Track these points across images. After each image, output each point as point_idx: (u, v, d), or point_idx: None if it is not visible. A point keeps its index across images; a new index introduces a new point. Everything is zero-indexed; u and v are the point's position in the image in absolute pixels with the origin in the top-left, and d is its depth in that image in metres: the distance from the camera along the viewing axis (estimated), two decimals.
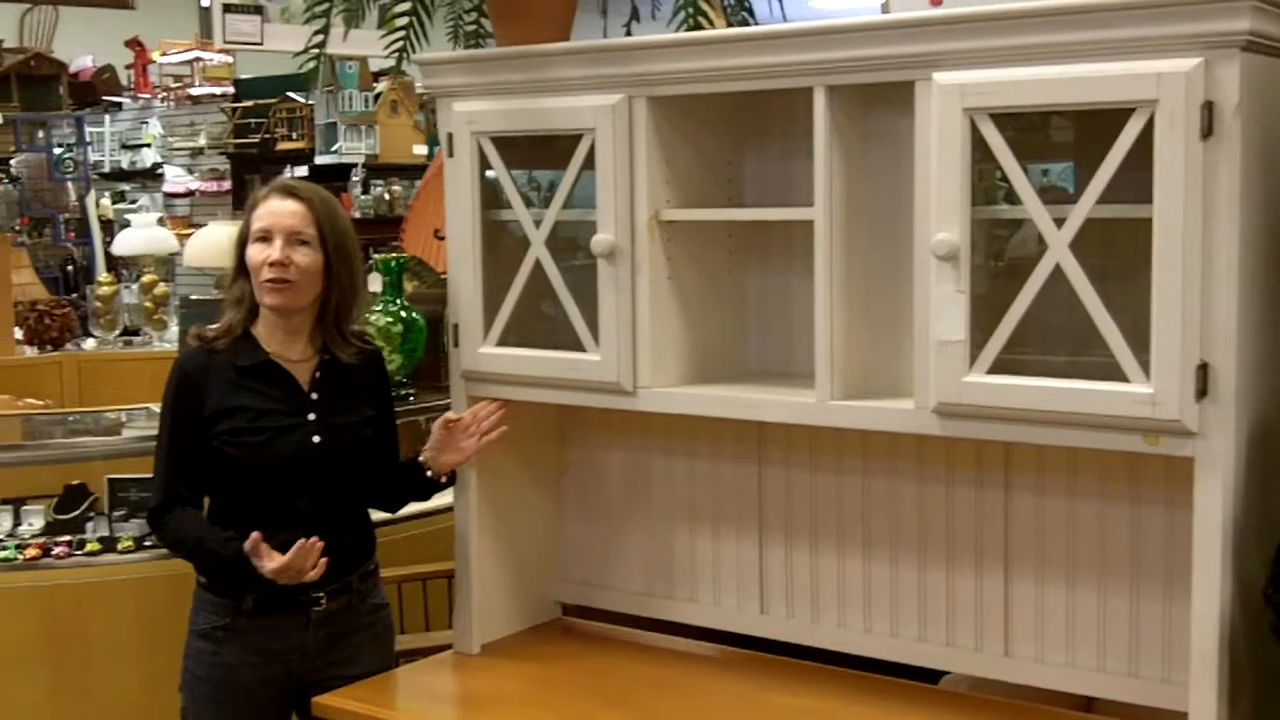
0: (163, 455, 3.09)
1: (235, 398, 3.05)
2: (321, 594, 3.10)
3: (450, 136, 3.24)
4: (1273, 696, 2.65)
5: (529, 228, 3.15)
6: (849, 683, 3.13)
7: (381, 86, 9.99)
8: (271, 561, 2.93)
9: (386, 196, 10.05)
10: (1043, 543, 2.93)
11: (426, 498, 3.38)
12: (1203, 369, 2.38)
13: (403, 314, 4.90)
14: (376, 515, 3.37)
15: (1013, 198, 2.59)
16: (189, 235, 8.22)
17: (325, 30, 3.30)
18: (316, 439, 3.08)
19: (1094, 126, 2.54)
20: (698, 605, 3.41)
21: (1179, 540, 2.73)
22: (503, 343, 3.22)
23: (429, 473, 3.24)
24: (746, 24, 3.46)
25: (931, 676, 3.21)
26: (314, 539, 2.94)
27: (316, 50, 3.31)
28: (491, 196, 3.24)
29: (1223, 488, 2.41)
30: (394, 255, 4.94)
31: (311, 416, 3.09)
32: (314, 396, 3.10)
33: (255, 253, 3.03)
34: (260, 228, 3.04)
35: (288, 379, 3.09)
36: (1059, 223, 2.51)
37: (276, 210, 3.05)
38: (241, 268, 3.09)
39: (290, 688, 3.12)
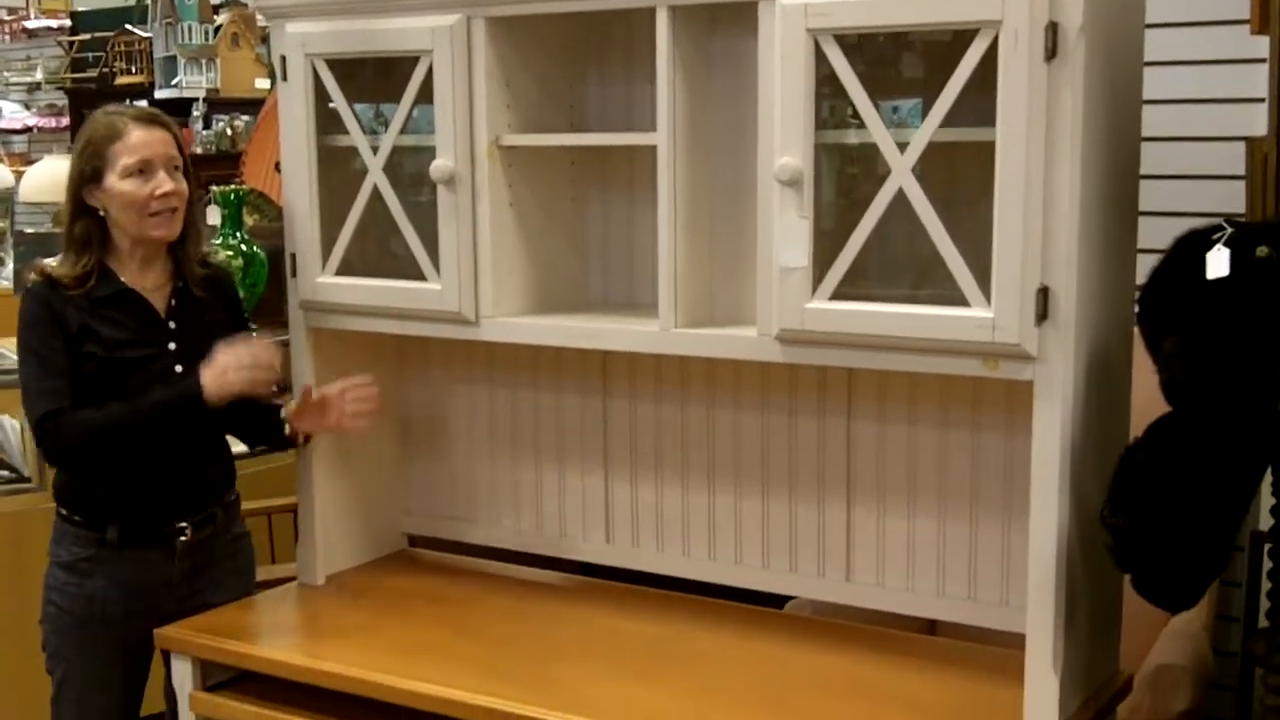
0: (35, 371, 2.95)
1: (93, 326, 2.96)
2: (186, 524, 3.08)
3: (283, 59, 3.15)
4: (1107, 617, 2.70)
5: (366, 154, 3.07)
6: (695, 608, 3.14)
7: (222, 19, 9.74)
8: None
9: (229, 132, 9.80)
10: (884, 470, 2.94)
11: (283, 449, 3.32)
12: (1043, 293, 2.39)
13: (243, 248, 4.79)
14: None
15: (856, 122, 2.57)
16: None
17: None
18: (178, 369, 3.02)
19: (940, 59, 2.53)
20: (544, 536, 3.39)
21: (1018, 467, 2.76)
22: (342, 272, 3.15)
23: (286, 430, 3.20)
24: None
25: (776, 602, 3.24)
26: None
27: None
28: (328, 122, 3.15)
29: (1061, 412, 2.43)
30: (233, 188, 4.82)
31: (171, 346, 3.03)
32: (172, 326, 3.04)
33: (134, 187, 2.94)
34: (139, 159, 2.94)
35: (146, 308, 3.02)
36: (901, 147, 2.50)
37: (151, 140, 2.96)
38: (83, 206, 2.99)
39: (154, 620, 3.06)
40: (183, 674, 3.06)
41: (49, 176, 6.60)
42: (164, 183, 2.94)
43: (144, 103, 9.44)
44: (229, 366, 2.93)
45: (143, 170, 2.94)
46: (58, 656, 3.10)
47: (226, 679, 3.08)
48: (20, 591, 3.60)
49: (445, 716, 2.73)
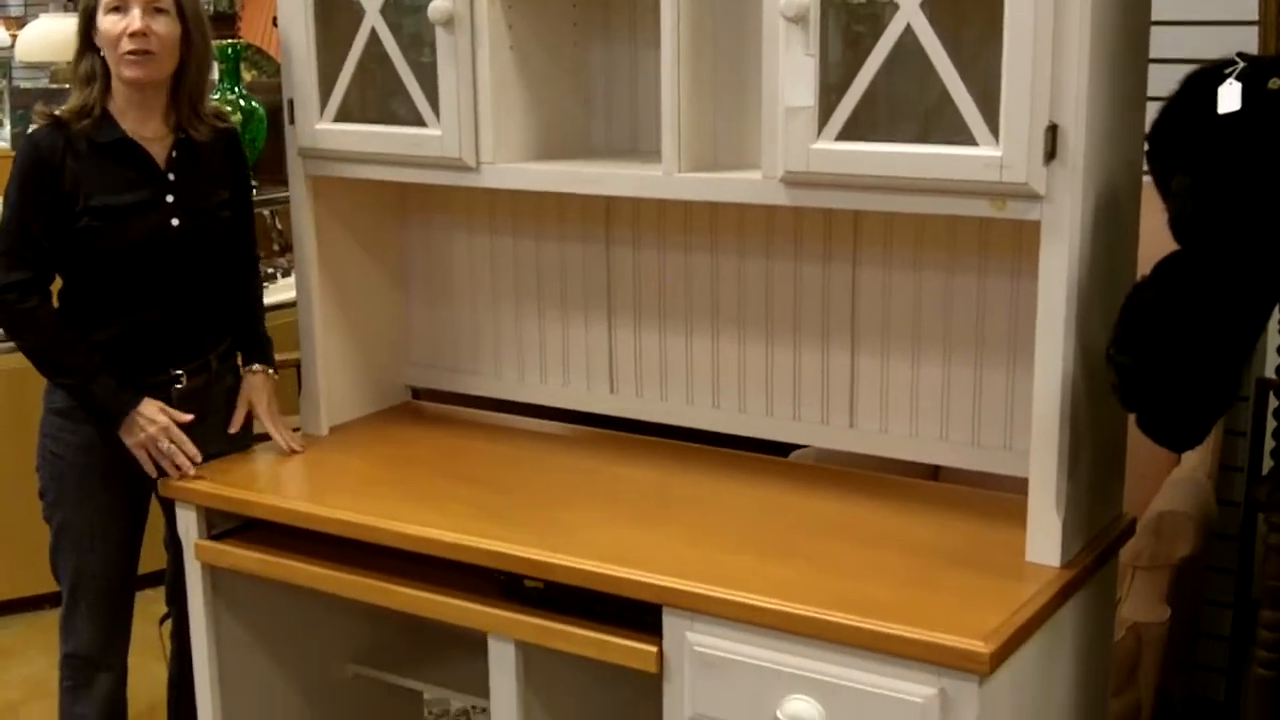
0: (11, 229, 2.94)
1: (92, 175, 2.93)
2: (181, 372, 3.09)
3: None
4: (1111, 461, 2.70)
5: None
6: (698, 457, 3.14)
7: None
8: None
9: None
10: (888, 316, 2.92)
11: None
12: (1052, 131, 2.35)
13: (241, 103, 4.75)
14: None
15: None
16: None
17: None
18: (175, 222, 3.00)
19: None
20: (547, 386, 3.38)
21: (1024, 311, 2.75)
22: (340, 118, 3.11)
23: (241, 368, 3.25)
24: None
25: (780, 452, 3.24)
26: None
27: None
28: None
29: (1069, 252, 2.40)
30: (230, 42, 4.77)
31: (169, 199, 3.00)
32: (171, 177, 3.01)
33: (111, 24, 2.89)
34: None
35: (144, 158, 2.99)
36: None
37: None
38: (89, 43, 2.95)
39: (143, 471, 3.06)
40: (187, 522, 3.08)
41: (45, 35, 6.49)
42: (134, 21, 2.88)
43: None
44: (159, 449, 3.00)
45: (119, 8, 2.89)
46: (55, 504, 3.12)
47: (231, 528, 3.09)
48: (20, 448, 3.61)
49: (449, 560, 2.74)
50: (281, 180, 3.34)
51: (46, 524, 3.15)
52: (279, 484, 3.08)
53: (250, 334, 3.27)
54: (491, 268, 3.40)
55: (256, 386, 3.22)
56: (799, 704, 2.36)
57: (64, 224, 2.93)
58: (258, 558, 2.99)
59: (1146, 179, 2.46)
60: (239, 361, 3.26)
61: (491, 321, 3.43)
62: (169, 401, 3.07)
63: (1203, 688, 3.83)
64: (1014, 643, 2.29)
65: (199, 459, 3.04)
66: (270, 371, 3.25)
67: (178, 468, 3.02)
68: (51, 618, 3.32)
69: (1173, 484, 3.31)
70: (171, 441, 3.01)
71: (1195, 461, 3.43)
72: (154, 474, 3.04)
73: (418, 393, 3.64)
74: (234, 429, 3.20)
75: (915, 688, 2.26)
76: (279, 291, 5.19)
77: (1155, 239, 2.40)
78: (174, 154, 3.02)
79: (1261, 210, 2.18)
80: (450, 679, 3.36)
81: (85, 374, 2.98)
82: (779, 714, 2.38)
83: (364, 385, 3.46)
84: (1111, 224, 2.52)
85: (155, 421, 3.00)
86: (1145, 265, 2.37)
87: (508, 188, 3.02)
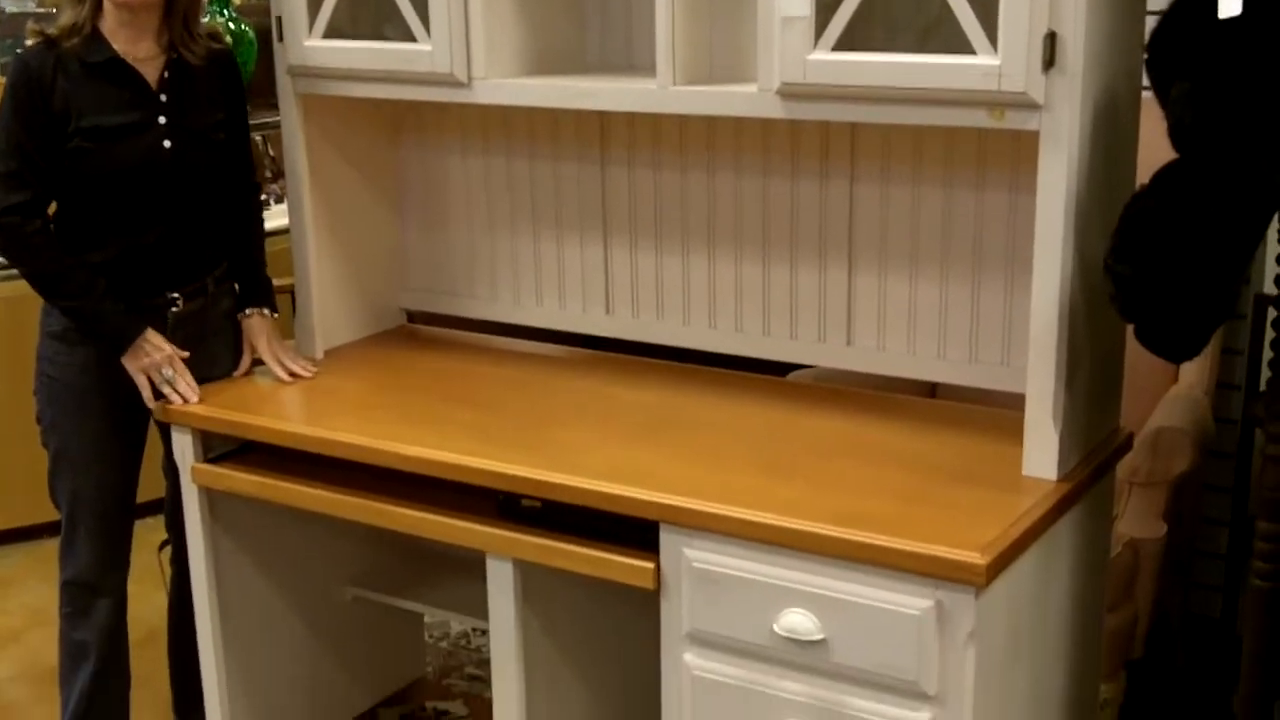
0: (8, 149, 2.91)
1: (83, 96, 2.90)
2: (178, 295, 3.08)
3: None
4: (1108, 375, 2.68)
5: None
6: (695, 377, 3.13)
7: None
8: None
9: None
10: (886, 233, 2.90)
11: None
12: (1050, 38, 2.32)
13: (231, 26, 4.70)
14: None
15: None
16: None
17: None
18: (167, 144, 2.97)
19: None
20: (543, 309, 3.37)
21: (1022, 227, 2.73)
22: (330, 35, 3.07)
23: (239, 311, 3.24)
24: None
25: (778, 373, 3.22)
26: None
27: None
28: None
29: (1067, 163, 2.38)
30: None
31: (162, 120, 2.97)
32: (163, 98, 2.98)
33: None
34: None
35: (136, 79, 2.96)
36: None
37: None
38: None
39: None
40: (183, 446, 3.07)
41: None
42: None
43: None
44: (162, 374, 2.99)
45: None
46: (52, 428, 3.11)
47: (227, 451, 3.08)
48: (16, 380, 3.60)
49: (446, 482, 2.73)
50: (273, 105, 3.31)
51: (45, 449, 3.14)
52: (275, 406, 3.06)
53: (250, 274, 3.25)
54: (486, 189, 3.37)
55: (254, 329, 3.21)
56: (796, 617, 2.36)
57: (56, 144, 2.90)
58: (255, 480, 2.98)
59: (1147, 95, 2.43)
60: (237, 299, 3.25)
61: (487, 244, 3.40)
62: (165, 324, 3.06)
63: (1199, 605, 3.84)
64: (1010, 555, 2.29)
65: (197, 396, 3.02)
66: (266, 313, 3.22)
67: (179, 394, 3.01)
68: (51, 547, 3.33)
69: (1170, 400, 3.30)
70: (174, 370, 3.00)
71: (1193, 378, 3.42)
72: (152, 401, 3.02)
73: (413, 316, 3.62)
74: (240, 373, 3.19)
75: (912, 600, 2.26)
76: (272, 219, 5.14)
77: (1155, 150, 2.38)
78: (166, 75, 2.98)
79: (1261, 117, 2.16)
80: (449, 602, 3.37)
81: (93, 299, 2.97)
82: (776, 627, 2.38)
83: (359, 309, 3.45)
84: (1110, 134, 2.49)
85: (161, 349, 3.00)
86: (1145, 177, 2.34)
87: (500, 104, 2.99)
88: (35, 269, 2.98)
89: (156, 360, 2.99)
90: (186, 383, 3.02)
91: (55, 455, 3.12)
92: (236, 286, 3.25)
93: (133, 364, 3.00)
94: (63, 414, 3.08)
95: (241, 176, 3.21)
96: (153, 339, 3.00)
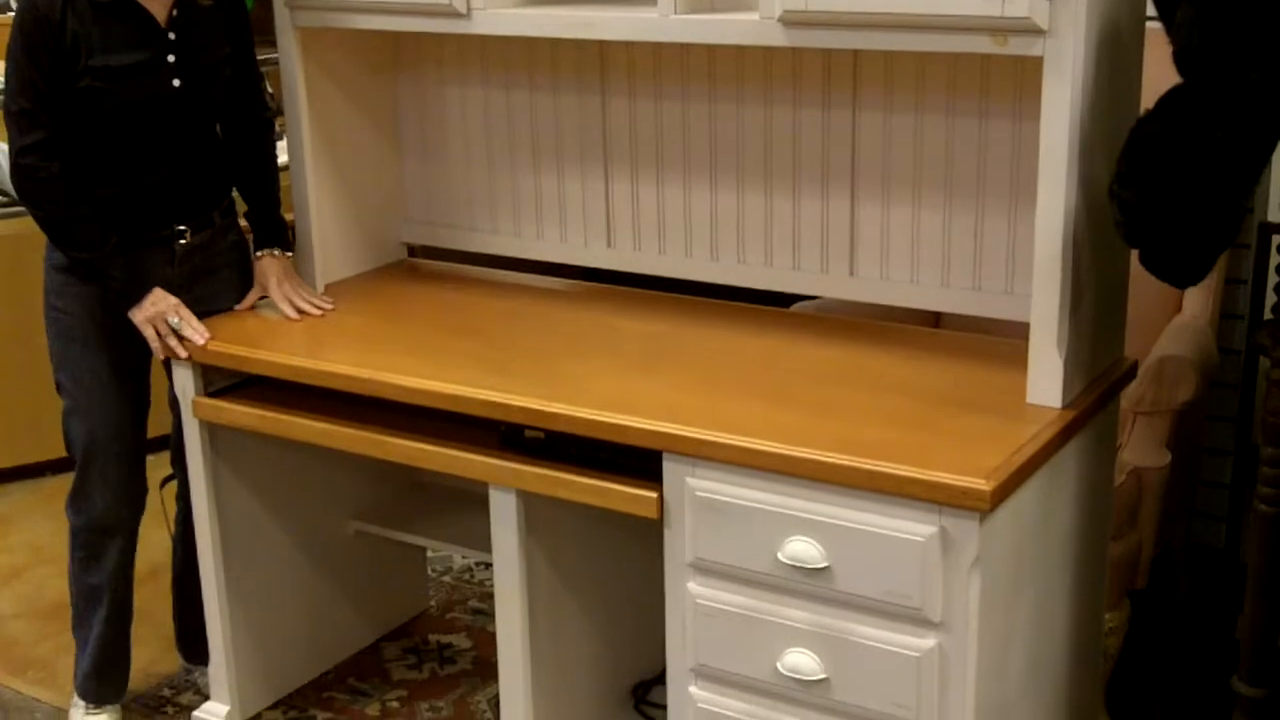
0: (17, 88, 2.89)
1: (92, 35, 2.87)
2: (185, 228, 3.07)
3: None
4: (1113, 303, 2.67)
5: None
6: (698, 309, 3.12)
7: None
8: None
9: None
10: (889, 161, 2.88)
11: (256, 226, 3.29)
12: None
13: None
14: None
15: None
16: None
17: None
18: (176, 83, 2.95)
19: None
20: (544, 241, 3.35)
21: (1026, 154, 2.71)
22: None
23: (251, 247, 3.24)
24: None
25: (781, 304, 3.21)
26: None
27: None
28: None
29: (1071, 89, 2.36)
30: None
31: (171, 59, 2.94)
32: (171, 36, 2.95)
33: None
34: None
35: (145, 17, 2.93)
36: None
37: None
38: None
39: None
40: (184, 380, 3.07)
41: None
42: None
43: None
44: (168, 323, 2.99)
45: None
46: (64, 363, 3.09)
47: (229, 385, 3.08)
48: (18, 319, 3.59)
49: (449, 414, 2.73)
50: (271, 41, 3.28)
51: (58, 394, 3.12)
52: (276, 340, 3.05)
53: (264, 216, 3.24)
54: (485, 122, 3.35)
55: (265, 270, 3.20)
56: (800, 545, 2.36)
57: (67, 83, 2.88)
58: (256, 413, 2.98)
59: (1152, 25, 2.41)
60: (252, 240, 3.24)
61: (486, 177, 3.39)
62: (172, 258, 3.06)
63: (1202, 535, 3.84)
64: (1015, 482, 2.29)
65: (205, 338, 3.01)
66: (278, 253, 3.21)
67: (183, 341, 3.00)
68: (52, 484, 3.32)
69: (1174, 330, 3.29)
70: (180, 318, 2.99)
71: (1196, 308, 3.41)
72: (160, 352, 3.02)
73: (413, 250, 3.61)
74: (243, 308, 3.18)
75: (916, 526, 2.26)
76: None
77: (1161, 82, 2.36)
78: (175, 13, 2.95)
79: (1267, 41, 2.14)
80: (452, 536, 3.37)
81: (104, 255, 2.96)
82: (780, 555, 2.38)
83: (359, 243, 3.44)
84: (1114, 60, 2.47)
85: (166, 299, 2.99)
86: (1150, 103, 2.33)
87: (499, 34, 2.96)
88: (50, 215, 2.95)
89: (162, 309, 2.99)
90: (193, 327, 3.00)
91: (69, 392, 3.10)
92: (244, 221, 3.24)
93: (138, 315, 2.99)
94: (73, 346, 3.06)
95: (251, 111, 3.20)
96: (157, 293, 2.99)
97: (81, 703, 3.32)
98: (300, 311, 3.15)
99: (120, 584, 3.24)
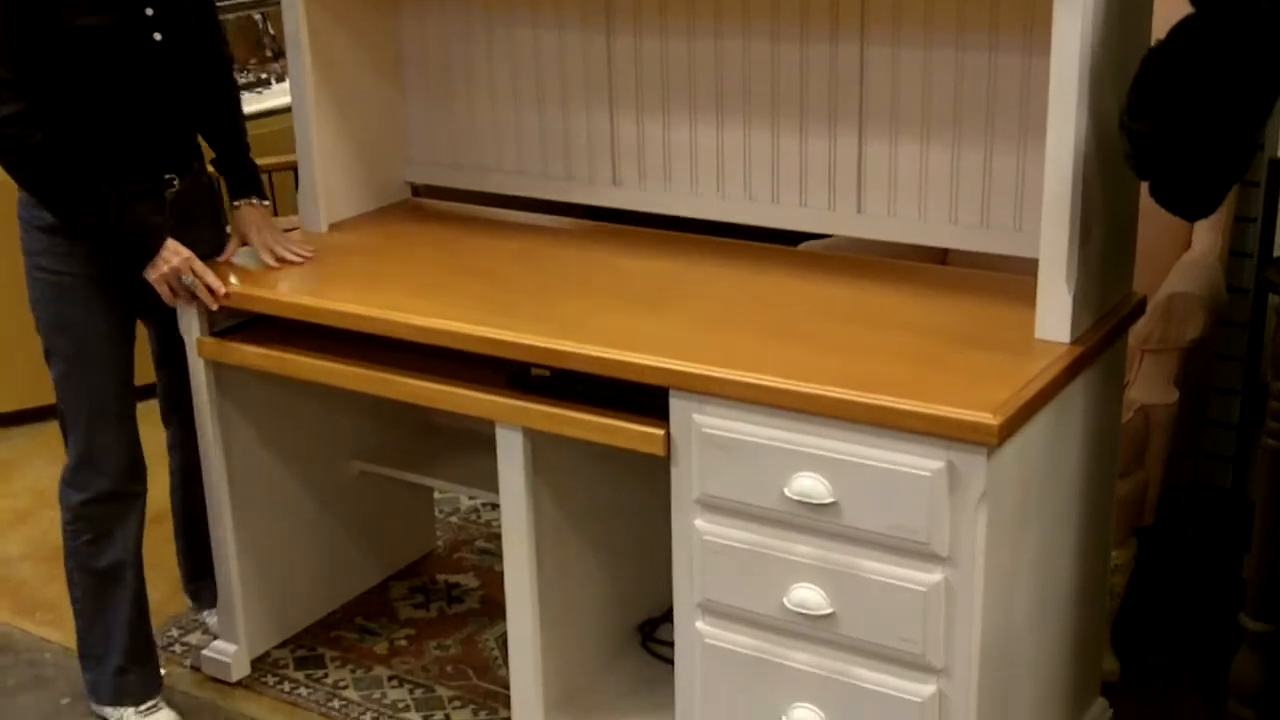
0: (4, 48, 2.82)
1: None
2: (172, 175, 3.04)
3: None
4: (1122, 239, 2.66)
5: None
6: (704, 247, 3.11)
7: None
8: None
9: None
10: (897, 97, 2.86)
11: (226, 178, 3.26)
12: None
13: None
14: None
15: None
16: None
17: None
18: (158, 36, 2.92)
19: None
20: (549, 180, 3.33)
21: (1035, 89, 2.69)
22: None
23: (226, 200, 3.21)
24: None
25: (789, 242, 3.20)
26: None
27: None
28: None
29: (1082, 20, 2.33)
30: None
31: (149, 12, 2.90)
32: None
33: None
34: None
35: None
36: None
37: None
38: None
39: (139, 280, 2.98)
40: (189, 320, 3.05)
41: None
42: None
43: None
44: (182, 281, 2.95)
45: None
46: (60, 329, 3.00)
47: (233, 325, 3.07)
48: (15, 260, 3.54)
49: (455, 353, 2.72)
50: None
51: (48, 360, 3.04)
52: (280, 279, 3.04)
53: (235, 162, 3.20)
54: (489, 59, 3.33)
55: (244, 220, 3.16)
56: (807, 480, 2.36)
57: (48, 49, 2.82)
58: (261, 353, 2.98)
59: None
60: (224, 190, 3.21)
61: (491, 115, 3.36)
62: (162, 206, 3.02)
63: (1208, 475, 3.84)
64: (1022, 416, 2.28)
65: (225, 288, 2.98)
66: (256, 202, 3.18)
67: (205, 292, 2.97)
68: (53, 429, 3.28)
69: (1183, 267, 3.27)
70: (194, 274, 2.96)
71: (1205, 245, 3.39)
72: (173, 303, 3.00)
73: (418, 190, 3.59)
74: (225, 259, 3.13)
75: (923, 461, 2.26)
76: (274, 97, 5.12)
77: (1171, 9, 2.33)
78: None
79: None
80: (459, 476, 3.37)
81: (111, 215, 2.89)
82: (787, 491, 2.38)
83: (363, 182, 3.42)
84: None
85: (179, 253, 2.94)
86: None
87: None
88: (44, 185, 2.87)
89: (176, 265, 2.94)
90: (209, 281, 2.96)
91: (67, 357, 3.01)
92: (211, 169, 3.20)
93: (153, 273, 2.95)
94: (72, 310, 2.98)
95: (213, 53, 3.15)
96: (170, 246, 2.95)
97: (123, 709, 3.16)
98: (280, 260, 3.12)
99: (139, 557, 3.14)
